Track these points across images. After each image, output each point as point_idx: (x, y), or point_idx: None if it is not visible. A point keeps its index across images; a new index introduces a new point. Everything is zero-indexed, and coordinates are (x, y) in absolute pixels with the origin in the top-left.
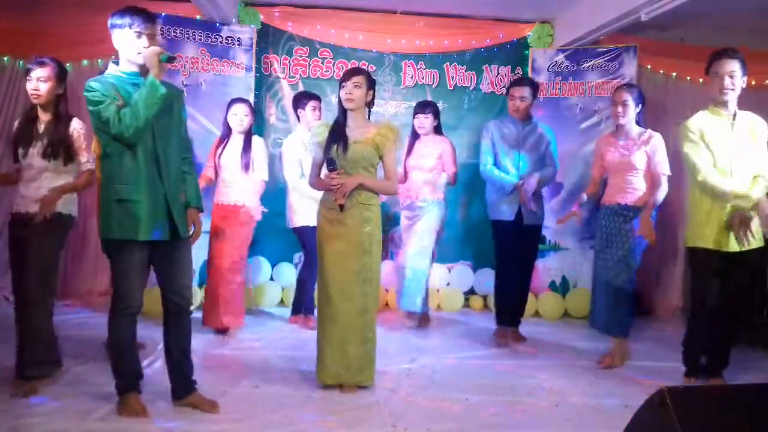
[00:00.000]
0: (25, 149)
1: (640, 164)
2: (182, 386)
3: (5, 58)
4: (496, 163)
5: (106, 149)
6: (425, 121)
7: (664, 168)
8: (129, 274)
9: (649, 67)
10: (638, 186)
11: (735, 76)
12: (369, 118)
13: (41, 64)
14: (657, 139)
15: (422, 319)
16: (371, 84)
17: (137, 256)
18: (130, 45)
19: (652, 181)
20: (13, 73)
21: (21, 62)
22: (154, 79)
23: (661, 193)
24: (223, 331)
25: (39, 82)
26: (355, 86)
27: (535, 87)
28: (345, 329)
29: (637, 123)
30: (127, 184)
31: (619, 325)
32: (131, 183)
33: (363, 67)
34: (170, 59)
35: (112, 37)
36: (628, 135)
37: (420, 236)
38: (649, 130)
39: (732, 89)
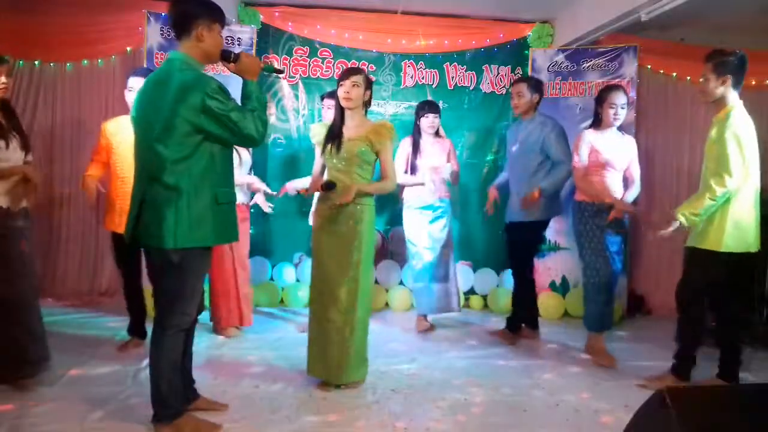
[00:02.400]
0: None
1: (623, 164)
2: (189, 390)
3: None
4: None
5: (198, 148)
6: (435, 121)
7: (637, 168)
8: (200, 284)
9: (649, 67)
10: (615, 184)
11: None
12: (366, 117)
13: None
14: (632, 140)
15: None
16: (369, 83)
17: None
18: (217, 42)
19: (628, 181)
20: (13, 73)
21: (21, 62)
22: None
23: (636, 192)
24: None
25: (8, 77)
26: (354, 85)
27: (534, 83)
28: (327, 328)
29: None
30: (230, 187)
31: (601, 319)
32: (231, 186)
33: (362, 66)
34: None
35: (212, 31)
36: (614, 134)
37: (443, 237)
38: (623, 132)
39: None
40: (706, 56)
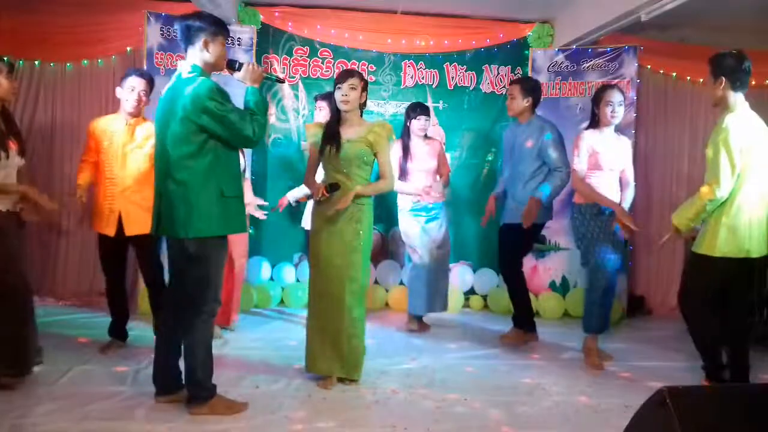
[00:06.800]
0: None
1: (620, 165)
2: (171, 380)
3: (5, 58)
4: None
5: (203, 146)
6: (426, 124)
7: (632, 170)
8: (221, 272)
9: (649, 67)
10: (612, 186)
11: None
12: (362, 118)
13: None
14: (627, 141)
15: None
16: (365, 85)
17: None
18: (219, 52)
19: (622, 183)
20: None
21: (21, 62)
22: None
23: (632, 194)
24: (228, 327)
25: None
26: (351, 88)
27: (529, 86)
28: (334, 326)
29: None
30: (236, 182)
31: (593, 322)
32: (237, 180)
33: (357, 67)
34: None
35: (215, 42)
36: (612, 134)
37: (439, 238)
38: (619, 133)
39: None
40: (708, 61)
